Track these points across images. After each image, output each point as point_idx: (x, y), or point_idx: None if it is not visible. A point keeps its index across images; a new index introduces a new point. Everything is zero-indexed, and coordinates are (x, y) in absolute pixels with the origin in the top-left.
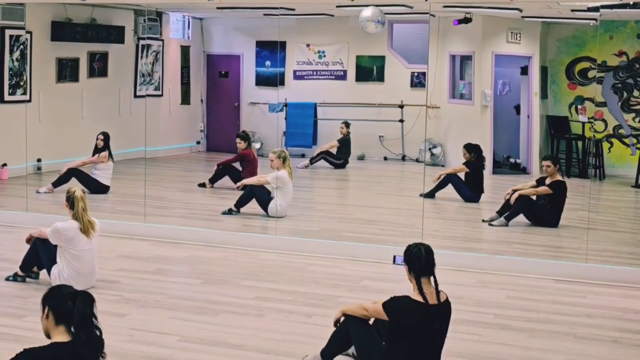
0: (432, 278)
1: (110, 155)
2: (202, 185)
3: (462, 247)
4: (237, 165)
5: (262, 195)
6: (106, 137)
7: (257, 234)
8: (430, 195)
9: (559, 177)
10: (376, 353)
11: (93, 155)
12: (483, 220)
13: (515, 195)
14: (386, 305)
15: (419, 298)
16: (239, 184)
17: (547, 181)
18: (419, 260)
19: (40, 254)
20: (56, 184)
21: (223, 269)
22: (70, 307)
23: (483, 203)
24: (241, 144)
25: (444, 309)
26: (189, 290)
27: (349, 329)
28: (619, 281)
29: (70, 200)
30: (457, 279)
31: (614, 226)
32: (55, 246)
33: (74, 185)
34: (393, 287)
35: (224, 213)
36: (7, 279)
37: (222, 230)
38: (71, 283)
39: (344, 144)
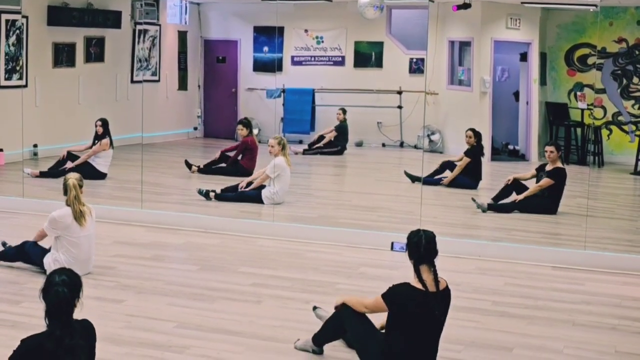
0: (431, 266)
1: (110, 142)
2: (188, 165)
3: (461, 233)
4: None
5: (251, 197)
6: (105, 123)
7: (255, 220)
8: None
9: (559, 164)
10: (373, 341)
11: (93, 142)
12: (472, 199)
13: (521, 196)
14: (385, 295)
15: (419, 285)
16: (244, 186)
17: (548, 167)
18: (418, 248)
19: (32, 255)
20: (49, 172)
21: (220, 255)
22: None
23: (481, 189)
24: (243, 131)
25: (442, 296)
26: (186, 277)
27: (344, 318)
28: (617, 268)
29: (64, 187)
30: (456, 266)
31: (613, 213)
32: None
33: (74, 172)
34: (391, 274)
35: (200, 192)
36: None
37: (220, 217)
38: None
39: (341, 130)
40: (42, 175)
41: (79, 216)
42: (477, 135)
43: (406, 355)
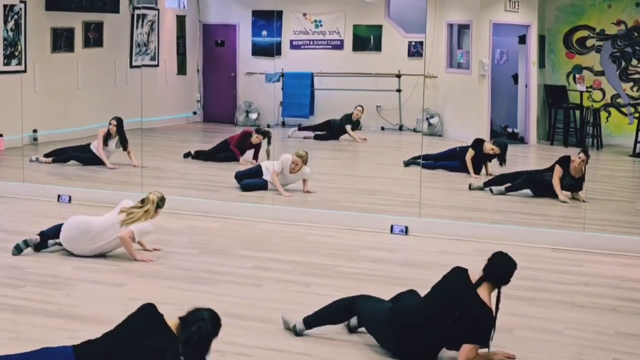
0: (492, 287)
1: (122, 142)
2: (188, 155)
3: (460, 216)
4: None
5: (263, 186)
6: (119, 123)
7: (256, 204)
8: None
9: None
10: (381, 304)
11: (104, 140)
12: (490, 189)
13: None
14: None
15: (473, 278)
16: (287, 196)
17: (574, 174)
18: (495, 269)
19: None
20: (52, 155)
21: (221, 239)
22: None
23: (483, 174)
24: (257, 139)
25: (472, 307)
26: (188, 260)
27: (356, 303)
28: (616, 250)
29: (145, 199)
30: (455, 248)
31: (612, 195)
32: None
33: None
34: (391, 257)
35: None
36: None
37: (220, 201)
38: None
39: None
40: (54, 161)
41: (127, 221)
42: (502, 146)
43: (407, 314)
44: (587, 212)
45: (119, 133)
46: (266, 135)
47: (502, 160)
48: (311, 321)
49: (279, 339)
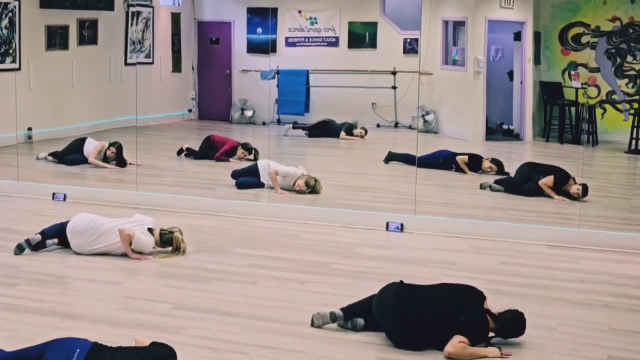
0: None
1: (118, 165)
2: (180, 152)
3: (456, 213)
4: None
5: (258, 184)
6: (119, 151)
7: (251, 202)
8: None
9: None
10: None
11: (105, 159)
12: (490, 187)
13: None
14: None
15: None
16: (282, 194)
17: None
18: (506, 324)
19: None
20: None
21: (216, 236)
22: None
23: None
24: (242, 154)
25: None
26: (182, 258)
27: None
28: (611, 246)
29: (172, 239)
30: (451, 245)
31: (607, 192)
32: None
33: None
34: (386, 254)
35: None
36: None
37: (215, 198)
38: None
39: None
40: (61, 162)
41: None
42: (499, 164)
43: (415, 297)
44: (582, 208)
45: (116, 157)
46: (252, 152)
47: (501, 174)
48: (349, 311)
49: (275, 337)
